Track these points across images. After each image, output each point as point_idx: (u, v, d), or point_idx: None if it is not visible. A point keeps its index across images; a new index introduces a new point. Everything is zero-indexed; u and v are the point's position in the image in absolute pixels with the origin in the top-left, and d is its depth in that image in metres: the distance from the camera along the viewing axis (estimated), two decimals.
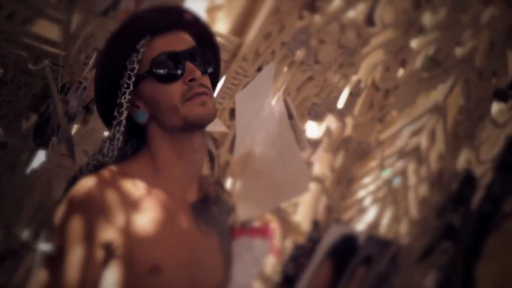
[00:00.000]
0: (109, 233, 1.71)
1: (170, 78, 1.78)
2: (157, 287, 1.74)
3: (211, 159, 1.95)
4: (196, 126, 1.81)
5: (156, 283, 1.74)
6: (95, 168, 1.82)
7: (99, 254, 1.71)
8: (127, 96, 1.80)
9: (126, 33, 1.80)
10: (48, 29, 2.25)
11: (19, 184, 2.33)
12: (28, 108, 2.26)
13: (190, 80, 1.78)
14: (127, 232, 1.73)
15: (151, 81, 1.80)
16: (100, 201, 1.72)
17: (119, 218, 1.73)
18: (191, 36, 1.85)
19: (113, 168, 1.80)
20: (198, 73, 1.79)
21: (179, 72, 1.78)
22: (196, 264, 1.80)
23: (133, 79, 1.80)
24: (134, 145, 1.88)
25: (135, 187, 1.78)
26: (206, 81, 1.83)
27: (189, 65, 1.79)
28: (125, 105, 1.80)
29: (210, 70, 1.84)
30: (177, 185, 1.83)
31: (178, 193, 1.83)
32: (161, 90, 1.79)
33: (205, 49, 1.85)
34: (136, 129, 1.86)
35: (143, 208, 1.77)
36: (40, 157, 2.31)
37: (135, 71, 1.80)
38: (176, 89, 1.78)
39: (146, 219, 1.76)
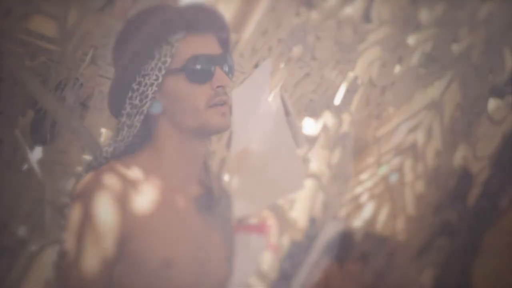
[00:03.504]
0: (118, 228, 1.72)
1: (201, 80, 1.79)
2: (168, 281, 1.76)
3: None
4: (210, 133, 1.83)
5: (166, 278, 1.75)
6: (111, 155, 1.81)
7: (112, 249, 1.72)
8: (154, 88, 1.80)
9: (163, 24, 1.79)
10: (44, 25, 2.24)
11: (15, 181, 2.33)
12: (24, 104, 2.26)
13: (218, 87, 1.79)
14: (136, 227, 1.74)
15: (179, 78, 1.80)
16: (107, 197, 1.73)
17: (128, 215, 1.74)
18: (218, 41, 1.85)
19: (118, 163, 1.80)
20: (227, 81, 1.80)
21: (210, 76, 1.79)
22: (203, 259, 1.81)
23: (163, 72, 1.80)
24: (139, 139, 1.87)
25: (141, 183, 1.78)
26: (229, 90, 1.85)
27: (219, 71, 1.80)
28: (150, 95, 1.80)
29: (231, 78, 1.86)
30: (180, 180, 1.83)
31: (182, 189, 1.83)
32: (187, 89, 1.79)
33: (231, 57, 1.86)
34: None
35: (151, 204, 1.78)
36: (36, 153, 2.31)
37: (167, 64, 1.80)
38: (202, 92, 1.79)
39: (154, 215, 1.76)
